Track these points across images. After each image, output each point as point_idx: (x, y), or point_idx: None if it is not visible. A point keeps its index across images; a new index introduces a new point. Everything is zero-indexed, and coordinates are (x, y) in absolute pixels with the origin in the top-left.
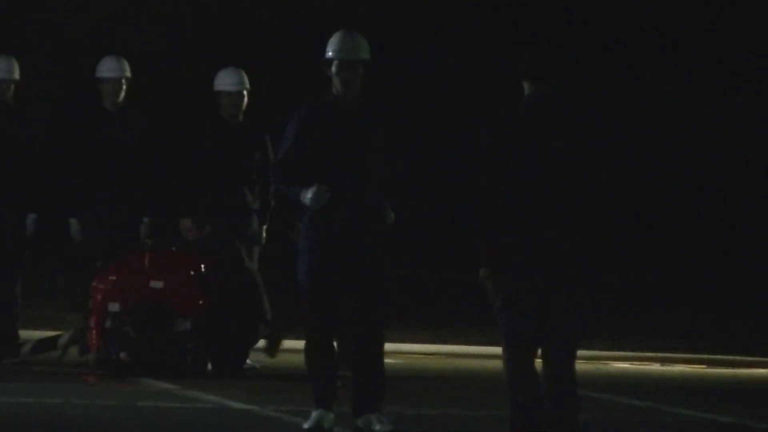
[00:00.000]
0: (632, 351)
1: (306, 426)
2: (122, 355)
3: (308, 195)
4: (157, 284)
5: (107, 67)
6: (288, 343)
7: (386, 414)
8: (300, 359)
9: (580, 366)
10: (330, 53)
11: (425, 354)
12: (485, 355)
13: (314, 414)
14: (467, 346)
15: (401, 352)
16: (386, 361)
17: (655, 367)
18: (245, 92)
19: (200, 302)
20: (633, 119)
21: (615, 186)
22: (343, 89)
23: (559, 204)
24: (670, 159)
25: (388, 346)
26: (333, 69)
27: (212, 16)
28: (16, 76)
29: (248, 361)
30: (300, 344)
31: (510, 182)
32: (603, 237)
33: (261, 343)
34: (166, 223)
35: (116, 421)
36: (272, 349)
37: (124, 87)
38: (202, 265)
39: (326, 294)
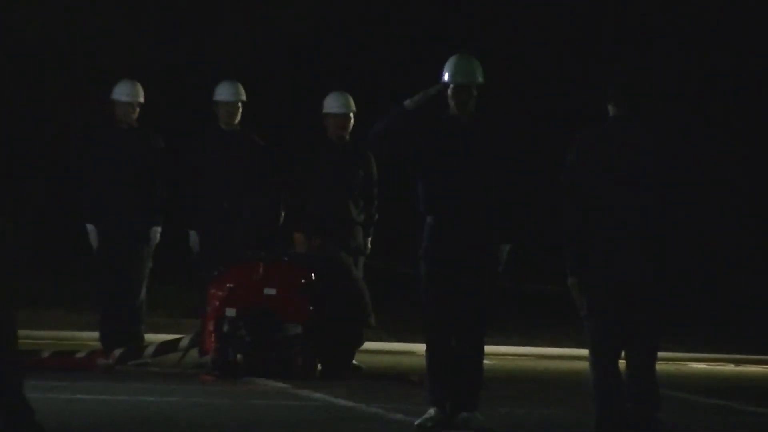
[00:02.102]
0: (709, 353)
1: (417, 422)
2: (238, 357)
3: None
4: (270, 291)
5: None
6: (389, 346)
7: (481, 413)
8: (401, 360)
9: (660, 367)
10: (446, 77)
11: (517, 355)
12: (573, 357)
13: (429, 412)
14: (556, 348)
15: (494, 353)
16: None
17: (730, 368)
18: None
19: (309, 308)
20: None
21: (692, 200)
22: (459, 110)
23: (636, 220)
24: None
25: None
26: (449, 92)
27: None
28: (140, 99)
29: (354, 362)
30: (400, 347)
31: (590, 199)
32: (679, 250)
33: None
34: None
35: (231, 417)
36: None
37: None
38: (312, 275)
39: (445, 298)
